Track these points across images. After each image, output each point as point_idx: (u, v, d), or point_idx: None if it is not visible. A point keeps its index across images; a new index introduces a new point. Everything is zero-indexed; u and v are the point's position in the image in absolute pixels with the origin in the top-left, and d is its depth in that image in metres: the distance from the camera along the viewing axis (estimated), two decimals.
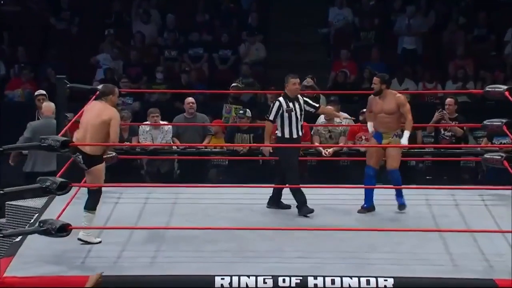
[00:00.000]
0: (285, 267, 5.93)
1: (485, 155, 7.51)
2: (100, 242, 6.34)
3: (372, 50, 11.83)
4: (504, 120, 7.08)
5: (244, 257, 6.16)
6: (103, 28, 12.47)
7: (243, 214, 7.25)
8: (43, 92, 9.11)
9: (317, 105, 7.49)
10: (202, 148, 9.03)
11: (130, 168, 9.00)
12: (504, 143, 8.74)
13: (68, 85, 7.91)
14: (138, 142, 9.10)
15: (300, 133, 7.28)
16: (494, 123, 7.16)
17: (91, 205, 6.38)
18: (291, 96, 7.26)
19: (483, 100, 10.74)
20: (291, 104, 7.22)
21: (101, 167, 6.43)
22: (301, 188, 7.12)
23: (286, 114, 7.21)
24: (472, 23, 12.23)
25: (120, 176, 8.40)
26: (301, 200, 7.13)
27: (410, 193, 7.64)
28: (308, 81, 9.91)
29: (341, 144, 9.05)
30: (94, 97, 7.50)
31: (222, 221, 7.01)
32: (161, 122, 9.10)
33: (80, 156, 6.35)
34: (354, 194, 7.44)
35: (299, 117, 7.25)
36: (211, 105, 10.45)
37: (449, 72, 11.63)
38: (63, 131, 6.82)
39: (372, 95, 7.41)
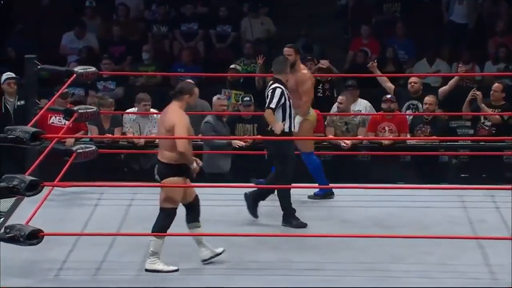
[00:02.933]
0: (293, 280, 5.98)
1: None
2: (177, 270, 6.16)
3: (397, 25, 11.83)
4: None
5: (244, 268, 6.21)
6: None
7: (243, 218, 7.29)
8: (13, 74, 9.15)
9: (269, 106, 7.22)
10: (198, 141, 9.06)
11: (112, 164, 9.04)
12: None
13: (38, 67, 7.95)
14: (122, 133, 9.13)
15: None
16: None
17: (158, 226, 6.18)
18: (285, 82, 7.22)
19: None
20: (286, 92, 7.18)
21: (180, 180, 6.21)
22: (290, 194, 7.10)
23: (288, 103, 7.16)
24: None
25: (100, 174, 8.48)
26: (288, 208, 7.11)
27: (442, 194, 7.68)
28: (324, 63, 9.95)
29: (360, 137, 9.08)
30: (70, 80, 7.55)
31: (218, 226, 7.05)
32: (152, 110, 9.12)
33: (156, 166, 6.30)
34: (375, 195, 7.48)
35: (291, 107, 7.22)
36: (207, 90, 10.47)
37: (489, 51, 11.62)
38: (33, 121, 6.86)
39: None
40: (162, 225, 6.19)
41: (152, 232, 6.20)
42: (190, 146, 6.25)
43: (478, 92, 8.97)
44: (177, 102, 6.28)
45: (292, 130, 7.19)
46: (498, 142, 8.85)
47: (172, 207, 6.21)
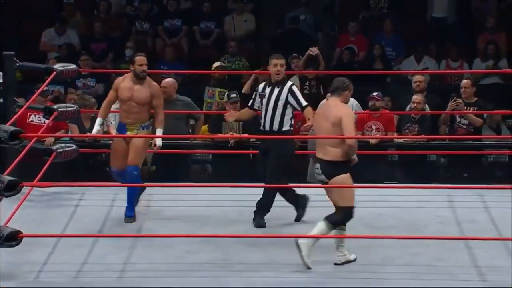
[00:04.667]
0: (280, 281, 5.98)
1: None
2: (355, 259, 6.27)
3: (385, 21, 11.84)
4: None
5: (231, 270, 6.19)
6: None
7: (230, 219, 7.29)
8: None
9: (304, 104, 7.19)
10: (182, 140, 9.05)
11: (93, 164, 9.00)
12: None
13: (17, 64, 7.90)
14: (104, 132, 9.07)
15: (275, 127, 7.14)
16: None
17: (340, 220, 6.23)
18: (273, 80, 7.20)
19: None
20: (268, 89, 7.18)
21: (348, 177, 6.24)
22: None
23: (258, 100, 7.22)
24: None
25: (81, 173, 8.45)
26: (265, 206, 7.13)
27: (431, 194, 7.69)
28: (313, 50, 9.92)
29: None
30: (50, 78, 7.50)
31: (205, 228, 7.04)
32: None
33: (318, 166, 6.25)
34: (363, 195, 7.44)
35: (271, 106, 7.14)
36: (191, 88, 10.45)
37: (478, 48, 11.64)
38: (12, 119, 6.82)
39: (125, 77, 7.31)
40: (336, 220, 6.17)
41: (332, 224, 6.15)
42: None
43: (459, 100, 8.94)
44: (338, 97, 6.31)
45: (264, 129, 7.18)
46: (476, 141, 8.86)
47: (351, 206, 6.21)
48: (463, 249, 6.54)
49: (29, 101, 7.55)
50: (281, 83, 7.18)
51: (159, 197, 7.68)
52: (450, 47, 11.52)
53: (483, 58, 11.34)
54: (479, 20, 11.95)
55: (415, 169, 8.98)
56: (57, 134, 8.66)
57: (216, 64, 10.25)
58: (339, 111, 6.24)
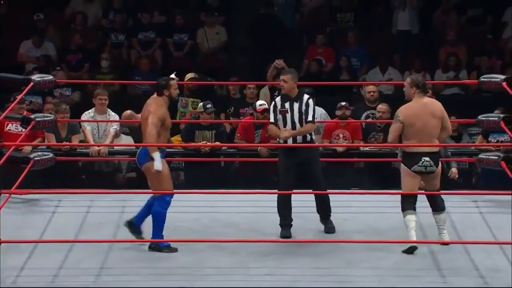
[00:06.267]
0: (251, 285, 5.97)
1: (480, 155, 7.66)
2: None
3: (349, 34, 11.89)
4: (501, 115, 7.18)
5: (203, 274, 6.19)
6: (37, 7, 12.37)
7: (202, 225, 7.30)
8: None
9: (309, 119, 7.14)
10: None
11: (69, 171, 8.96)
12: (502, 141, 8.85)
13: None
14: (79, 141, 9.05)
15: (308, 138, 7.17)
16: (490, 118, 7.26)
17: (442, 204, 6.79)
18: (290, 94, 7.18)
19: (478, 92, 10.86)
20: (287, 105, 7.17)
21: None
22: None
23: (280, 116, 7.17)
24: (467, 3, 12.34)
25: (58, 181, 8.41)
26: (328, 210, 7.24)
27: (395, 199, 7.71)
28: (279, 63, 9.93)
29: (316, 144, 9.09)
30: (27, 89, 7.45)
31: (178, 233, 7.04)
32: (111, 113, 9.07)
33: (427, 158, 6.59)
34: (330, 201, 7.49)
35: (296, 120, 7.14)
36: None
37: (439, 59, 11.74)
38: None
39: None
40: (443, 204, 6.78)
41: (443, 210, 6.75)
42: None
43: None
44: (426, 94, 6.76)
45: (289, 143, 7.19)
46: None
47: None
48: (425, 253, 6.58)
49: (7, 111, 7.51)
50: (298, 97, 7.17)
51: (133, 204, 7.65)
52: (413, 58, 11.61)
53: (445, 69, 11.44)
54: (440, 33, 12.06)
55: (380, 176, 9.02)
56: (35, 143, 8.61)
57: (189, 75, 10.25)
58: (440, 105, 6.73)
